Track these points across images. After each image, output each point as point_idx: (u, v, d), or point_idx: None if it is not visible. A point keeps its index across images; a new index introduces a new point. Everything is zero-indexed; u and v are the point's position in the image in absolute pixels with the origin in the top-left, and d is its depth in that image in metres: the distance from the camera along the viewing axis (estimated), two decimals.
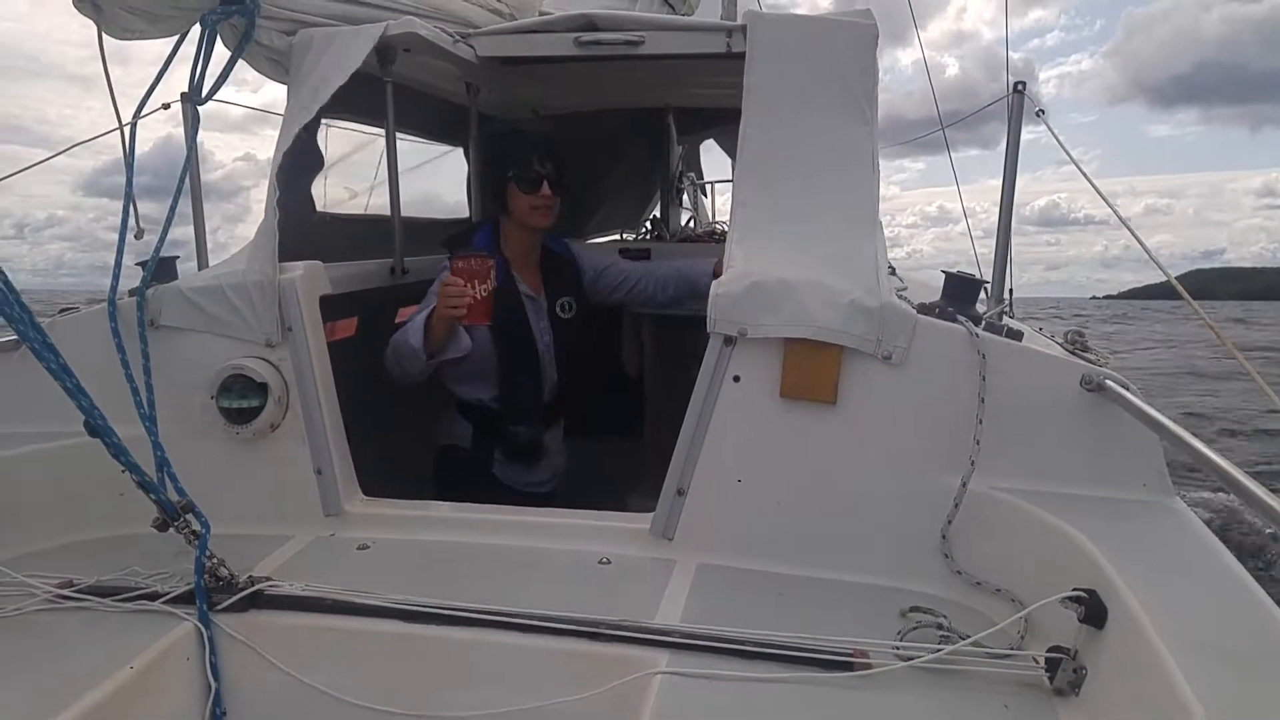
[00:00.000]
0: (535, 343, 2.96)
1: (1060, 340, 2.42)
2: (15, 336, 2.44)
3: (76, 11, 2.10)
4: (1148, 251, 2.38)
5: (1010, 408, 2.05)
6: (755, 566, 2.15)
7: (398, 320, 3.10)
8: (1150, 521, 1.92)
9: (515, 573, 2.14)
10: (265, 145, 2.78)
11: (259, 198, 2.55)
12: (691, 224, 6.28)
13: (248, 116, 2.57)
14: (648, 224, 5.54)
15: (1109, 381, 1.97)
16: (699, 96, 4.44)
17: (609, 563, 2.18)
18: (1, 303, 1.62)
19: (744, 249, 2.33)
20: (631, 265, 3.23)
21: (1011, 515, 1.98)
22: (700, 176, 7.05)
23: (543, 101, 4.33)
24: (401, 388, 2.75)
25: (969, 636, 1.69)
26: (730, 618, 1.80)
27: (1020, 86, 2.58)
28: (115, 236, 2.39)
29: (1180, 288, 2.36)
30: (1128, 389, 1.94)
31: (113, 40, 2.35)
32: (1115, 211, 2.46)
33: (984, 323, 2.17)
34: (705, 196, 7.51)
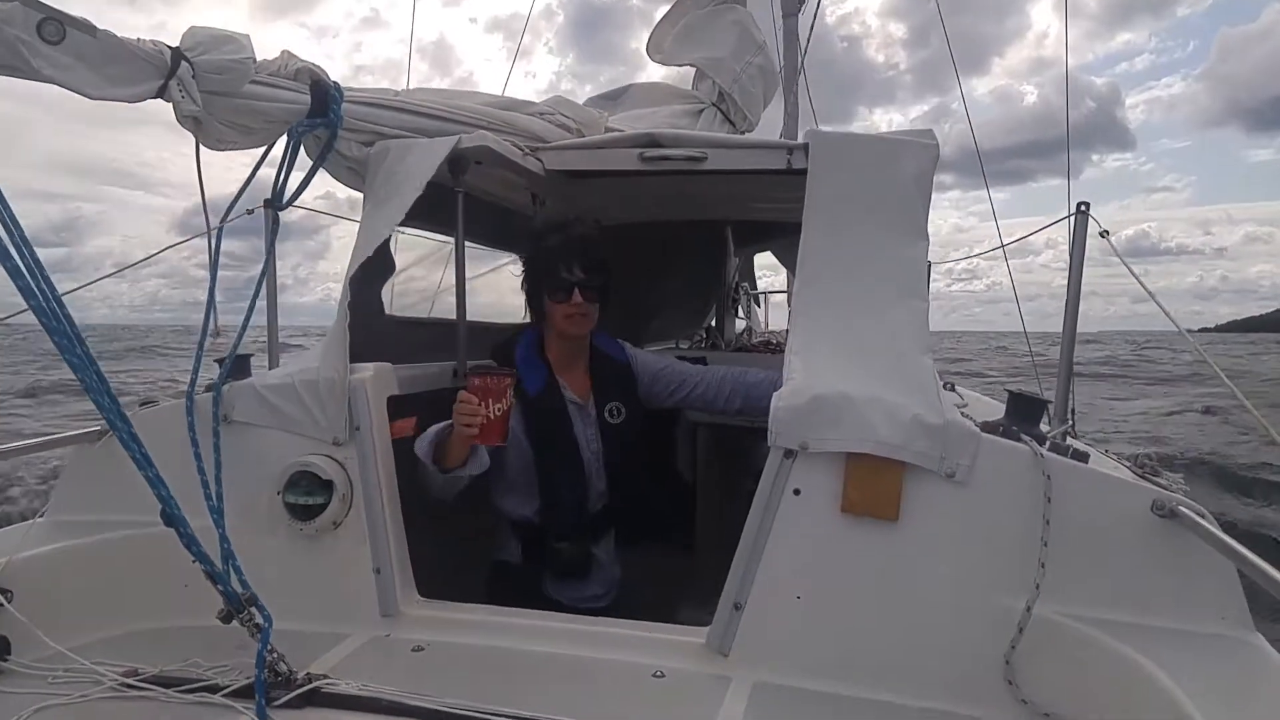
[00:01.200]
0: (580, 452, 2.87)
1: (1129, 463, 2.38)
2: (98, 427, 2.57)
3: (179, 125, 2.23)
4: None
5: (1077, 531, 2.01)
6: (814, 686, 2.11)
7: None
8: (1231, 657, 1.85)
9: (569, 682, 2.12)
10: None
11: (339, 234, 2.64)
12: (747, 334, 6.33)
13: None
14: (703, 333, 5.60)
15: (1182, 508, 1.93)
16: (757, 210, 4.52)
17: (663, 676, 2.14)
18: (95, 393, 1.68)
19: (803, 360, 2.34)
20: (689, 368, 3.13)
21: (1080, 643, 1.93)
22: (753, 286, 7.14)
23: (605, 213, 4.44)
24: (439, 500, 2.65)
25: None
26: None
27: (1083, 207, 2.56)
28: (204, 274, 2.48)
29: None
30: (1203, 516, 1.89)
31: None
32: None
33: (1049, 443, 2.14)
34: (759, 306, 7.58)
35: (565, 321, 2.82)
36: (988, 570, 2.06)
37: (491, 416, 2.40)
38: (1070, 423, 2.52)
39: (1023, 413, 2.27)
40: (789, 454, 2.16)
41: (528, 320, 4.00)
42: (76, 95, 1.88)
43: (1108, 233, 2.63)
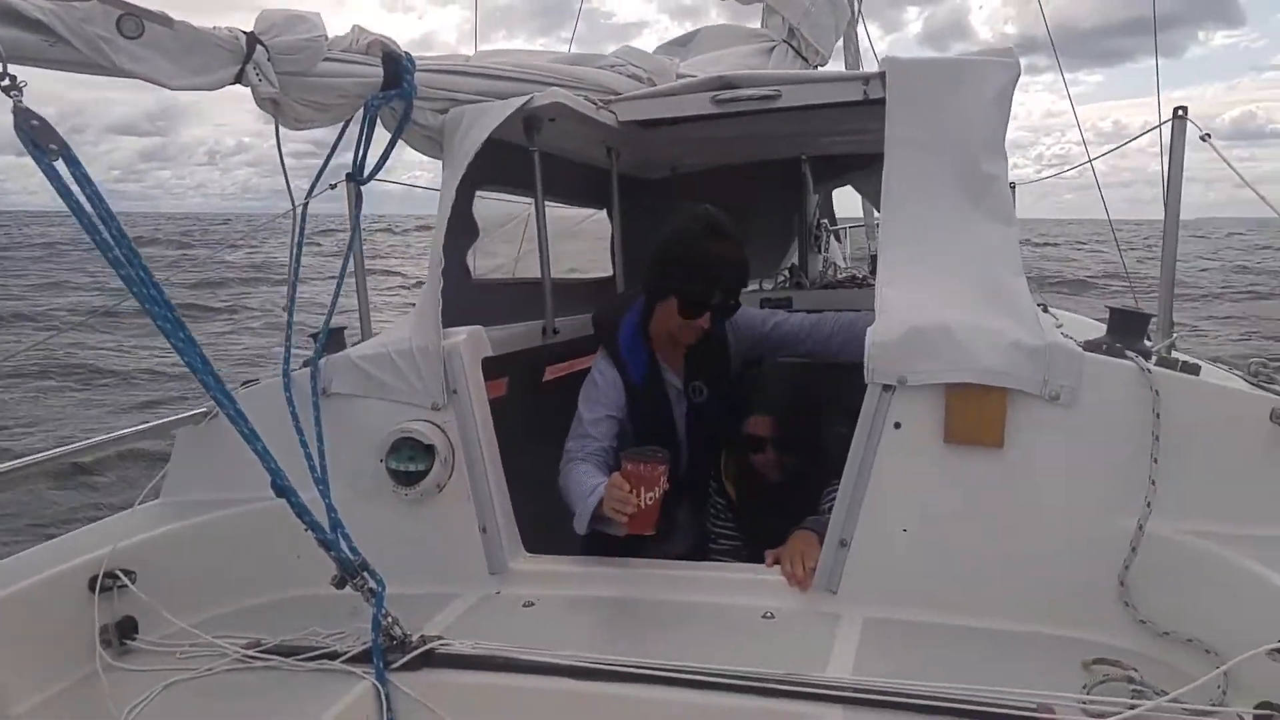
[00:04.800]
0: (675, 432, 2.89)
1: (1242, 373, 2.28)
2: (204, 409, 2.67)
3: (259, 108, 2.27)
4: None
5: (1191, 446, 1.95)
6: (925, 618, 2.10)
7: (546, 378, 3.16)
8: None
9: (680, 627, 2.14)
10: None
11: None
12: (831, 270, 6.23)
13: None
14: (786, 272, 5.53)
15: None
16: (834, 144, 4.43)
17: (773, 617, 2.16)
18: (201, 373, 1.73)
19: (895, 292, 2.30)
20: (792, 326, 3.00)
21: (1199, 559, 1.88)
22: (834, 222, 7.00)
23: (681, 160, 4.41)
24: None
25: (1165, 692, 1.60)
26: (903, 672, 1.75)
27: (1181, 111, 2.43)
28: (294, 162, 2.51)
29: None
30: None
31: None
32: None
33: (1155, 357, 2.08)
34: (840, 242, 7.44)
35: (681, 330, 2.77)
36: (1098, 491, 2.02)
37: (644, 505, 2.27)
38: (1175, 336, 2.42)
39: (1126, 328, 2.19)
40: (887, 388, 2.13)
41: (612, 274, 4.02)
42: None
43: (1208, 136, 2.48)
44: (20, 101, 1.49)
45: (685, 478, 2.94)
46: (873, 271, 6.20)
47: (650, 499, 2.27)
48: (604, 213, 4.19)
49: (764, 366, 3.04)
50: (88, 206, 1.52)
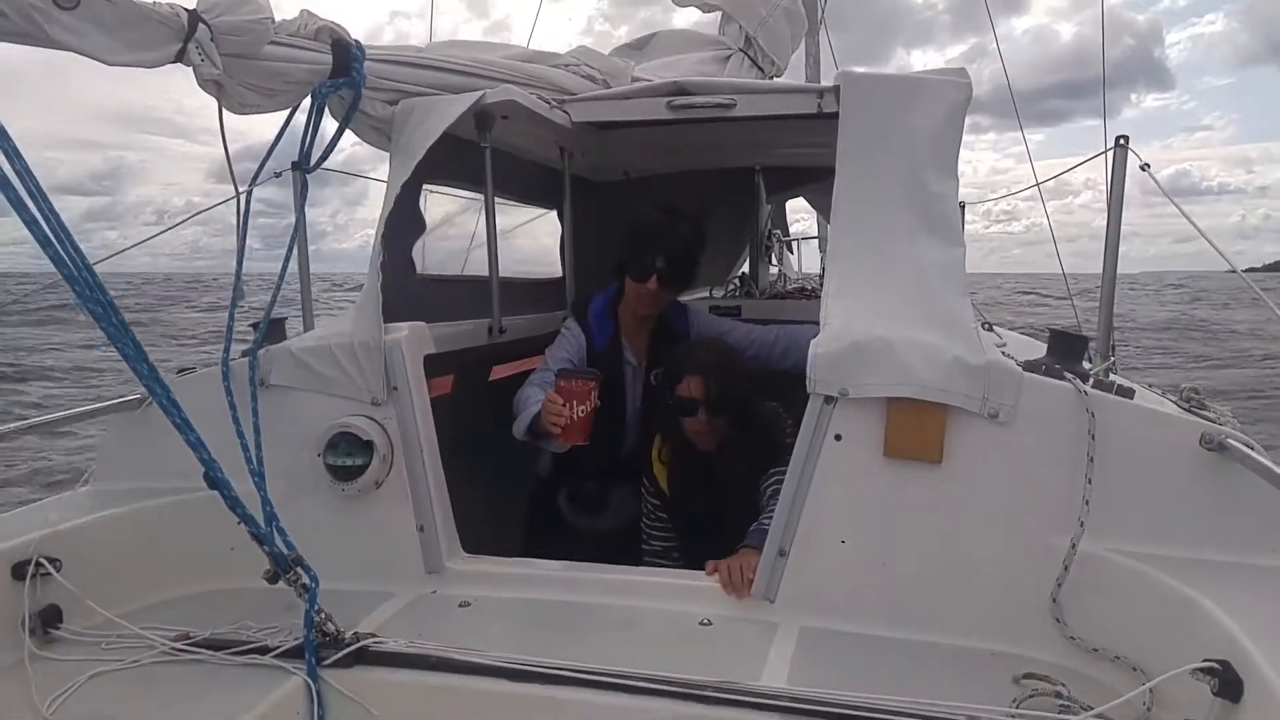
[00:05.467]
0: (626, 406, 3.09)
1: (1174, 398, 2.33)
2: (137, 395, 2.59)
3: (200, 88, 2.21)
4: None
5: (1123, 467, 1.99)
6: (860, 630, 2.11)
7: (492, 378, 3.14)
8: None
9: (617, 632, 2.13)
10: None
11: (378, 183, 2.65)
12: (781, 281, 6.26)
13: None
14: (736, 281, 5.55)
15: (1231, 440, 1.89)
16: (787, 155, 4.45)
17: (710, 624, 2.15)
18: (133, 360, 1.68)
19: (840, 305, 2.31)
20: (745, 334, 3.24)
21: (1128, 579, 1.91)
22: (786, 233, 7.04)
23: (633, 164, 4.39)
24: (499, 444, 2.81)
25: (1091, 708, 1.62)
26: (837, 682, 1.76)
27: (1122, 140, 2.48)
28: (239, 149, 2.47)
29: None
30: (1252, 448, 1.86)
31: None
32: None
33: (1092, 380, 2.11)
34: (791, 253, 7.49)
35: (637, 299, 3.07)
36: (1033, 509, 2.04)
37: (575, 418, 2.54)
38: (1112, 360, 2.47)
39: (1065, 350, 2.23)
40: (829, 400, 2.14)
41: (561, 275, 4.03)
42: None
43: (1148, 166, 2.54)
44: None
45: (629, 457, 3.08)
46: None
47: (582, 411, 2.55)
48: (554, 213, 4.17)
49: (693, 336, 3.18)
50: (15, 182, 1.45)
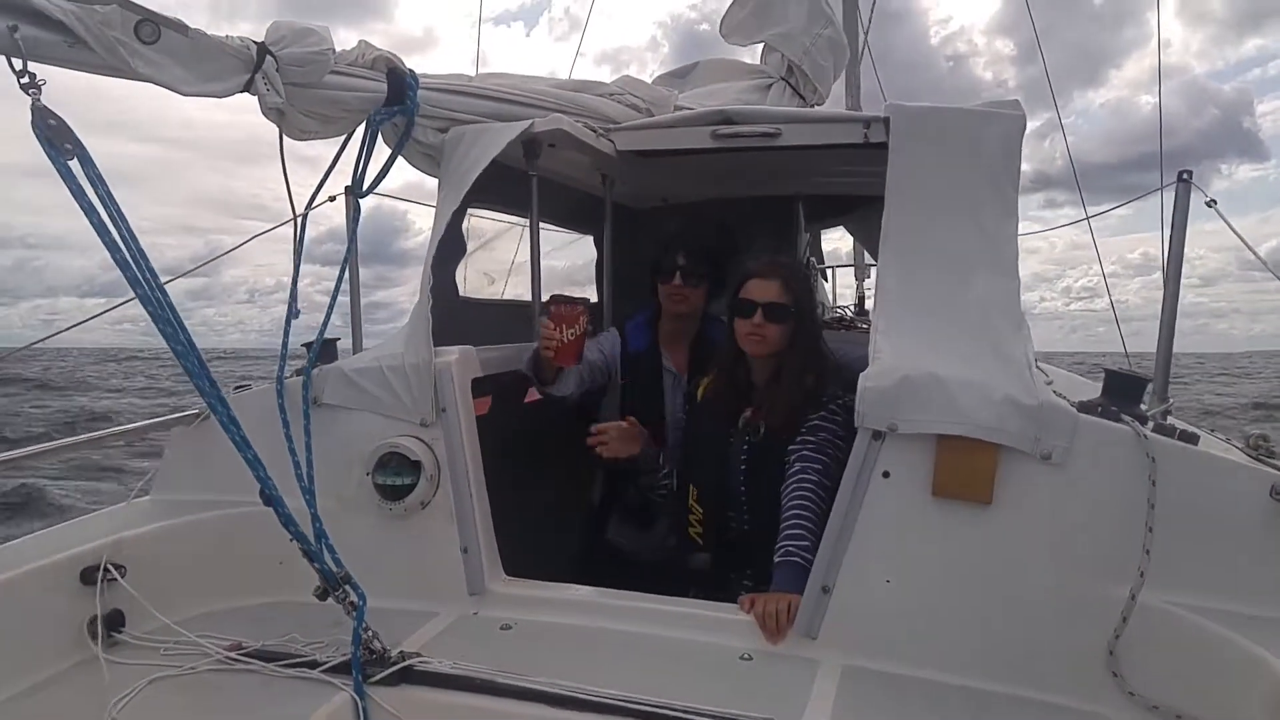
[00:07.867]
0: (666, 415, 3.13)
1: (1240, 445, 2.26)
2: (196, 410, 2.66)
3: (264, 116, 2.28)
4: None
5: (1187, 517, 1.94)
6: (904, 671, 2.09)
7: (527, 400, 3.19)
8: None
9: (656, 662, 2.13)
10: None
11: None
12: (820, 310, 6.27)
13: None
14: None
15: None
16: (829, 184, 4.45)
17: (750, 659, 2.14)
18: (196, 376, 1.74)
19: (890, 341, 2.30)
20: None
21: (1192, 634, 1.86)
22: (821, 261, 7.05)
23: (674, 191, 4.42)
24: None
25: None
26: None
27: (1186, 175, 2.39)
28: (327, 300, 2.63)
29: None
30: None
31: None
32: None
33: (1152, 423, 2.06)
34: (825, 280, 7.49)
35: (667, 300, 3.15)
36: (1088, 556, 2.00)
37: (566, 340, 2.70)
38: (1170, 401, 2.41)
39: (1121, 391, 2.15)
40: (877, 435, 2.12)
41: (599, 300, 4.07)
42: (173, 93, 1.93)
43: (1214, 202, 2.46)
44: (39, 100, 1.49)
45: (675, 472, 3.03)
46: (858, 313, 6.23)
47: (571, 335, 2.71)
48: (591, 239, 4.21)
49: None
50: (100, 208, 1.52)
